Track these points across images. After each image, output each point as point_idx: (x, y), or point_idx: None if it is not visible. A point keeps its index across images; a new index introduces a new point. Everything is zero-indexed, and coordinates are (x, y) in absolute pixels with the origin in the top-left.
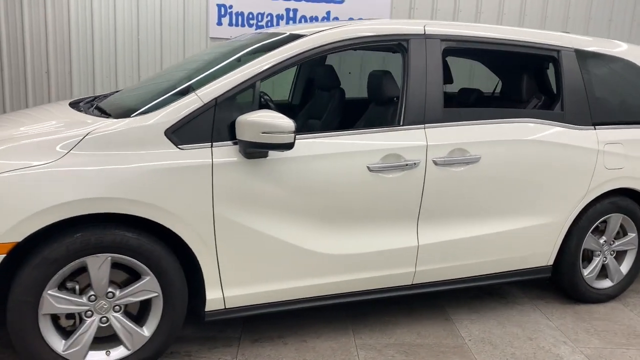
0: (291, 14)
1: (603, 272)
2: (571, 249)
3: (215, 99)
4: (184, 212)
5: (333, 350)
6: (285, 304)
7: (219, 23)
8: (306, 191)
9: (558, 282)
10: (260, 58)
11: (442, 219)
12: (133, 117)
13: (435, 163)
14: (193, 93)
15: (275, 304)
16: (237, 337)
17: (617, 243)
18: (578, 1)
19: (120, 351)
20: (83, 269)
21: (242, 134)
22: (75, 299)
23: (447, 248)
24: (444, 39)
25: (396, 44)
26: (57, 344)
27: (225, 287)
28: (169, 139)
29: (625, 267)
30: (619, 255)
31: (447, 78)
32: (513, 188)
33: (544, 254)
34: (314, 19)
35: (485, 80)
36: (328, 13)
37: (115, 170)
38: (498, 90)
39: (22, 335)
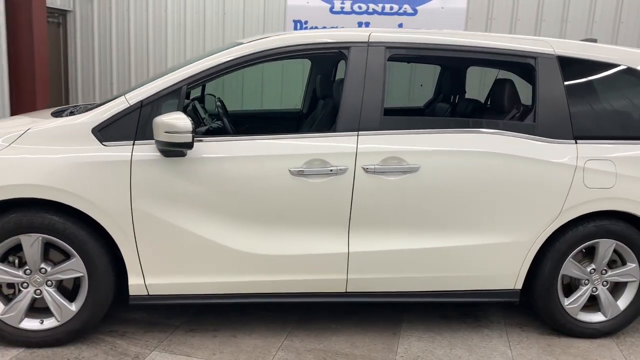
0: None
1: (597, 305)
2: (544, 274)
3: (141, 101)
4: (103, 202)
5: (254, 348)
6: (210, 297)
7: None
8: (224, 190)
9: (534, 310)
10: (190, 64)
11: (378, 227)
12: (69, 116)
13: (366, 170)
14: (122, 96)
15: (200, 297)
16: (176, 325)
17: (610, 273)
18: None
19: (52, 322)
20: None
21: (154, 133)
22: (13, 271)
23: (385, 258)
24: (390, 46)
25: (337, 52)
26: None
27: (147, 275)
28: (95, 137)
29: (623, 302)
30: (619, 288)
31: (460, 89)
32: (459, 202)
33: (507, 276)
34: None
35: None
36: (400, 25)
37: (44, 161)
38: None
39: None
